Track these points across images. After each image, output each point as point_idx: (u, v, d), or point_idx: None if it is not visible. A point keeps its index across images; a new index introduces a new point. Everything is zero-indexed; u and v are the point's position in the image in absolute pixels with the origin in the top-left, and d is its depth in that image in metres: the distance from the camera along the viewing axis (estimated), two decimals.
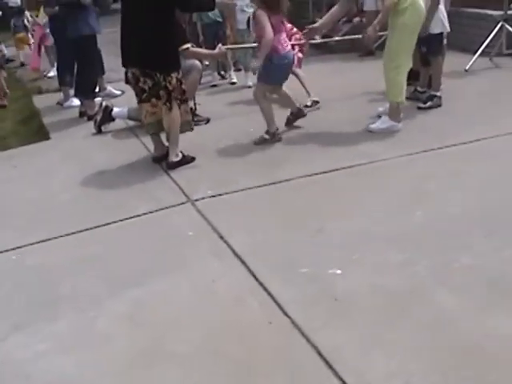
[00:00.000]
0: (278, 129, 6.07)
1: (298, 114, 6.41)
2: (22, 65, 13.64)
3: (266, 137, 6.02)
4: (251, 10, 8.54)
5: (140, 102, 5.60)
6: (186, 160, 5.65)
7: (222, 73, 9.47)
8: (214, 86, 9.06)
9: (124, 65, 5.60)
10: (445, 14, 6.63)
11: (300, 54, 7.15)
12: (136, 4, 5.33)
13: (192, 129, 5.84)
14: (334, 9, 6.38)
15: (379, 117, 6.21)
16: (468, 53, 8.42)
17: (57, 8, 8.08)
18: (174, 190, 5.13)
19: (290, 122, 6.44)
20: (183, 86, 5.59)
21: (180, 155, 5.63)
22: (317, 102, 6.94)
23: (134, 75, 5.46)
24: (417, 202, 4.40)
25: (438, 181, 4.76)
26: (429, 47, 6.52)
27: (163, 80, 5.35)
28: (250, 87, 8.45)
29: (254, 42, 6.98)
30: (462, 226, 4.00)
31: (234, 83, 9.03)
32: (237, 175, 5.28)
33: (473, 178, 4.74)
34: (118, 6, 12.85)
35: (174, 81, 5.41)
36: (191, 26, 9.00)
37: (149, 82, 5.40)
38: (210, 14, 8.89)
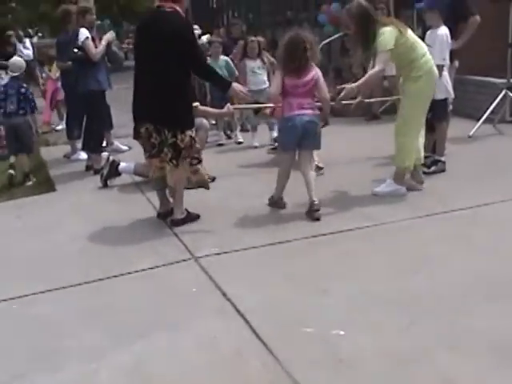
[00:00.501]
0: (282, 198, 5.91)
1: None
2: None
3: (267, 202, 5.96)
4: (262, 72, 8.74)
5: (150, 157, 5.62)
6: (191, 217, 5.67)
7: (229, 132, 9.59)
8: (221, 145, 9.18)
9: (138, 120, 5.62)
10: (449, 81, 6.75)
11: None
12: (152, 62, 5.39)
13: (208, 187, 5.89)
14: (417, 34, 6.48)
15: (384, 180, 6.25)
16: (472, 119, 8.53)
17: (69, 63, 8.24)
18: (178, 247, 5.15)
19: None
20: (197, 145, 5.63)
21: (185, 212, 5.66)
22: (320, 168, 6.88)
23: (148, 130, 5.48)
24: (420, 265, 4.41)
25: (441, 245, 4.77)
26: (434, 113, 6.59)
27: (172, 137, 5.36)
28: (256, 147, 8.57)
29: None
30: (464, 289, 4.00)
31: (240, 143, 9.14)
32: (242, 234, 5.30)
33: (476, 243, 4.76)
34: (129, 63, 13.08)
35: (188, 139, 5.42)
36: (199, 84, 9.16)
37: (159, 138, 5.45)
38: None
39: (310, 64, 5.66)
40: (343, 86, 5.73)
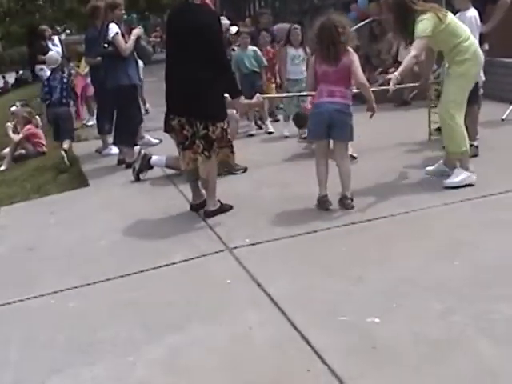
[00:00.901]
0: (326, 195, 5.52)
1: None
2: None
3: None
4: (301, 61, 8.63)
5: (183, 149, 5.65)
6: (224, 208, 5.69)
7: (259, 122, 9.57)
8: (251, 135, 9.18)
9: (171, 113, 5.64)
10: None
11: None
12: (182, 54, 5.43)
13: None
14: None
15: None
16: (505, 102, 8.41)
17: (98, 58, 8.29)
18: (211, 238, 5.17)
19: None
20: (229, 136, 5.68)
21: (218, 204, 5.68)
22: (354, 158, 6.80)
23: (180, 123, 5.52)
24: (456, 251, 4.37)
25: (476, 230, 4.73)
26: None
27: (204, 129, 5.40)
28: (286, 137, 8.54)
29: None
30: (501, 275, 3.95)
31: (270, 133, 9.13)
32: (275, 224, 5.30)
33: (510, 228, 4.71)
34: (157, 56, 13.14)
35: (219, 131, 5.46)
36: None
37: (191, 130, 5.48)
38: (247, 64, 9.09)
39: (343, 49, 5.39)
40: (389, 76, 5.55)
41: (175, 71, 5.55)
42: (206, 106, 5.40)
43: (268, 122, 9.34)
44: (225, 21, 9.25)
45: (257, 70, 9.27)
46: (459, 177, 5.77)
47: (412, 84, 8.20)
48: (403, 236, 4.80)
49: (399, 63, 10.65)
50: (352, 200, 5.43)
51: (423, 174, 6.15)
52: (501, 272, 3.99)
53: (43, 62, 13.63)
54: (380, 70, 10.90)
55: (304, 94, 7.29)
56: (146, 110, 12.98)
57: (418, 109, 8.75)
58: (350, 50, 5.45)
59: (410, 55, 5.57)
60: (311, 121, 5.67)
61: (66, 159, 8.51)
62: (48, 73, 11.24)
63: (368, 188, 5.93)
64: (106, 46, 7.74)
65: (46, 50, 13.65)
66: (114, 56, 7.70)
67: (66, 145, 8.93)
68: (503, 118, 8.13)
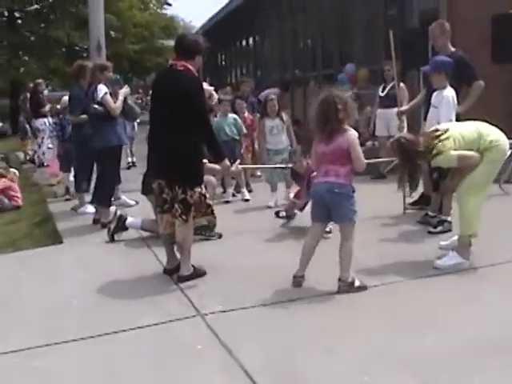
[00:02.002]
0: (302, 276, 5.36)
1: None
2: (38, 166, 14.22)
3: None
4: (280, 131, 8.69)
5: (161, 212, 5.70)
6: (197, 274, 5.68)
7: (234, 192, 9.60)
8: (228, 202, 9.22)
9: (151, 175, 5.72)
10: None
11: None
12: (163, 118, 5.54)
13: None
14: (420, 97, 6.63)
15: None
16: None
17: (83, 116, 8.36)
18: (183, 303, 5.14)
19: None
20: (208, 201, 5.74)
21: (191, 269, 5.67)
22: (327, 232, 6.82)
23: (160, 186, 5.59)
24: (431, 324, 4.42)
25: (451, 304, 4.79)
26: (441, 173, 6.64)
27: (182, 193, 5.46)
28: (269, 207, 8.54)
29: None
30: (474, 350, 3.99)
31: (247, 200, 9.18)
32: (249, 291, 5.28)
33: (487, 303, 4.77)
34: (144, 117, 13.26)
35: (197, 195, 5.53)
36: None
37: (171, 194, 5.53)
38: (227, 130, 9.21)
39: (339, 127, 5.13)
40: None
41: (156, 135, 5.66)
42: (184, 171, 5.48)
43: (244, 189, 9.39)
44: (208, 87, 9.40)
45: (236, 137, 9.38)
46: (452, 261, 5.68)
47: (388, 158, 8.35)
48: (377, 308, 4.82)
49: (375, 137, 11.00)
50: (347, 284, 5.15)
51: (397, 247, 6.21)
52: (475, 347, 4.03)
53: (44, 115, 14.14)
54: None
55: (281, 166, 7.40)
56: (133, 163, 13.13)
57: (394, 182, 8.84)
58: (348, 128, 5.20)
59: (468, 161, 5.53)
60: (312, 203, 5.55)
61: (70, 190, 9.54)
62: (47, 125, 13.58)
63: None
64: (95, 106, 7.81)
65: (45, 104, 14.22)
66: (103, 116, 7.78)
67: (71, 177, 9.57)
68: None
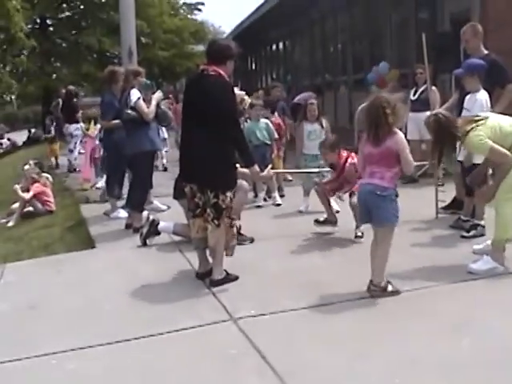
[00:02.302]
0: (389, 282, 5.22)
1: None
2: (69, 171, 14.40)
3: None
4: (317, 137, 8.56)
5: (193, 216, 5.73)
6: (230, 278, 5.68)
7: (265, 196, 9.59)
8: (259, 206, 9.21)
9: (183, 179, 5.77)
10: None
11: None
12: (195, 123, 5.58)
13: (232, 254, 5.81)
14: (452, 100, 6.66)
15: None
16: None
17: (115, 121, 8.43)
18: (216, 308, 5.15)
19: None
20: (234, 206, 5.73)
21: (224, 273, 5.68)
22: (359, 237, 6.81)
23: (192, 190, 5.63)
24: (464, 330, 4.38)
25: (486, 309, 4.74)
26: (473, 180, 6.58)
27: (214, 197, 5.48)
28: (300, 212, 8.54)
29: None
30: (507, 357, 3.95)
31: (278, 205, 9.17)
32: (280, 296, 5.28)
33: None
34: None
35: (228, 200, 5.54)
36: None
37: (203, 198, 5.55)
38: (259, 135, 9.19)
39: (389, 130, 5.09)
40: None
41: (188, 139, 5.69)
42: (216, 175, 5.49)
43: (276, 193, 9.39)
44: (239, 91, 9.40)
45: (268, 142, 9.33)
46: (487, 265, 5.61)
47: (420, 162, 8.30)
48: (407, 313, 4.79)
49: (407, 141, 10.90)
50: (379, 288, 5.12)
51: (430, 252, 6.16)
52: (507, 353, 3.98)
53: (77, 121, 14.39)
54: None
55: (314, 170, 7.35)
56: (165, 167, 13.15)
57: (426, 186, 8.82)
58: (397, 131, 5.18)
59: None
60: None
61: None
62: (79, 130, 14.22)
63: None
64: (129, 111, 7.84)
65: (78, 109, 14.44)
66: (137, 121, 7.82)
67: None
68: None
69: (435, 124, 5.59)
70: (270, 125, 9.50)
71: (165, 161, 13.38)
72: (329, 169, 7.52)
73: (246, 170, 6.05)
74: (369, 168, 5.24)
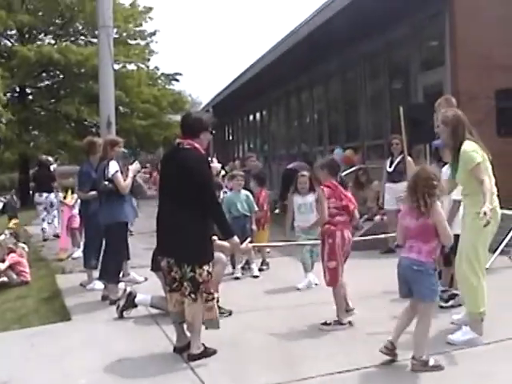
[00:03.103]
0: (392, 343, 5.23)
1: None
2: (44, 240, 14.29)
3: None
4: (308, 210, 8.44)
5: (170, 291, 5.70)
6: (208, 353, 5.61)
7: (245, 266, 9.51)
8: (237, 278, 9.12)
9: (159, 253, 5.77)
10: None
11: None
12: (171, 197, 5.62)
13: (218, 327, 5.77)
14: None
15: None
16: (488, 251, 8.50)
17: (92, 193, 8.43)
18: (194, 382, 5.07)
19: None
20: (213, 280, 5.73)
21: (202, 347, 5.61)
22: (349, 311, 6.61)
23: (169, 264, 5.61)
24: None
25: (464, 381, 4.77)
26: (451, 247, 6.64)
27: (191, 271, 5.46)
28: (298, 289, 8.16)
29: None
30: None
31: (256, 276, 9.13)
32: (259, 370, 5.23)
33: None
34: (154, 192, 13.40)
35: (205, 273, 5.52)
36: None
37: (179, 273, 5.53)
38: (239, 206, 9.21)
39: (432, 203, 5.11)
40: (482, 210, 5.16)
41: (164, 213, 5.71)
42: (193, 248, 5.49)
43: (254, 265, 9.34)
44: (215, 164, 9.46)
45: (247, 214, 9.27)
46: (466, 336, 5.64)
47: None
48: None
49: (384, 211, 11.01)
50: (421, 363, 5.06)
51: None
52: None
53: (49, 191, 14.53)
54: (366, 217, 11.14)
55: (292, 243, 7.32)
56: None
57: None
58: (438, 204, 5.20)
59: (486, 182, 5.48)
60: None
61: None
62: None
63: (351, 337, 5.88)
64: (106, 183, 7.88)
65: (54, 178, 14.72)
66: (112, 193, 7.86)
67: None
68: (487, 266, 8.17)
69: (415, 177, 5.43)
70: (251, 197, 9.45)
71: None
72: (317, 242, 7.39)
73: (224, 243, 6.05)
74: (408, 242, 5.27)
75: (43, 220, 14.92)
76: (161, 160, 6.26)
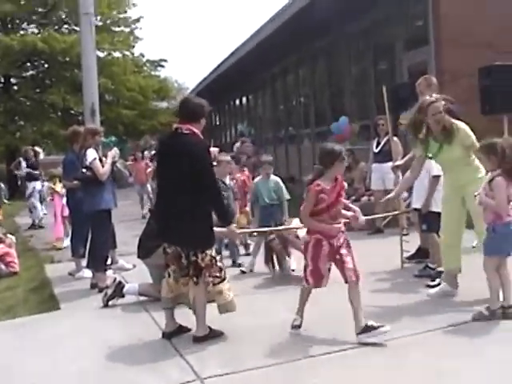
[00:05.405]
0: (501, 307, 5.53)
1: None
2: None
3: (486, 313, 5.51)
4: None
5: (182, 276, 5.62)
6: (215, 334, 5.61)
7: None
8: (243, 272, 8.55)
9: (165, 241, 5.69)
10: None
11: None
12: (171, 182, 5.57)
13: (234, 309, 5.74)
14: (408, 175, 6.62)
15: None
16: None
17: (75, 182, 8.41)
18: (183, 367, 5.07)
19: None
20: (219, 264, 5.68)
21: (207, 329, 5.60)
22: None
23: (177, 251, 5.55)
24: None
25: (456, 359, 4.75)
26: (428, 225, 6.78)
27: (193, 255, 5.45)
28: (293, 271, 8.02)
29: None
30: None
31: (243, 272, 8.51)
32: (247, 353, 5.22)
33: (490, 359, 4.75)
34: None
35: (208, 258, 5.50)
36: None
37: (187, 257, 5.50)
38: (265, 196, 8.67)
39: None
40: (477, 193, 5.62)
41: (166, 200, 5.65)
42: (194, 233, 5.46)
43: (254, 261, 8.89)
44: (213, 148, 9.36)
45: (275, 202, 8.63)
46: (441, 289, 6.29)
47: (384, 214, 8.39)
48: (376, 365, 4.78)
49: (371, 192, 11.06)
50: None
51: (394, 303, 6.19)
52: None
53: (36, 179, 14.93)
54: (353, 198, 11.16)
55: (277, 228, 7.34)
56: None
57: (392, 236, 8.89)
58: None
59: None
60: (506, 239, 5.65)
61: None
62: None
63: (337, 317, 5.86)
64: (84, 171, 7.87)
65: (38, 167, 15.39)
66: (92, 181, 7.82)
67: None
68: (473, 245, 8.20)
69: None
70: (280, 183, 8.79)
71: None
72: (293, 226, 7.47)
73: (222, 229, 5.97)
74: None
75: (35, 207, 15.07)
76: (157, 145, 6.15)
